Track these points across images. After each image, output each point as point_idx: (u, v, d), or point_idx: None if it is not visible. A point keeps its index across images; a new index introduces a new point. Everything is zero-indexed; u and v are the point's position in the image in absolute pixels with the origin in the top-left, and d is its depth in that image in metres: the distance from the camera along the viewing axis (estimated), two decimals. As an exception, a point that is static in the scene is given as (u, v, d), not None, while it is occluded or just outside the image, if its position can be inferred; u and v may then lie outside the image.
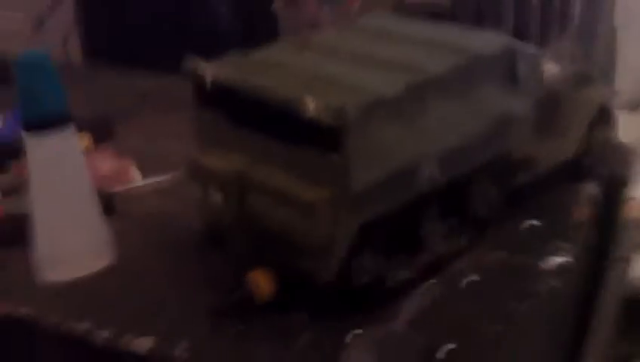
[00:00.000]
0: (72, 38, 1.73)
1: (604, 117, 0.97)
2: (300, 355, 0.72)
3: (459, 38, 0.84)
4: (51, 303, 0.81)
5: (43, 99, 0.81)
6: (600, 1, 1.62)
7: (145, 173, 1.06)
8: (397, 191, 0.74)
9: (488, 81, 0.82)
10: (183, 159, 0.86)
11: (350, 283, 0.74)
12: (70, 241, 0.84)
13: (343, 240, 0.72)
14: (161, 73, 1.36)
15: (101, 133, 1.16)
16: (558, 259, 0.83)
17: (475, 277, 0.81)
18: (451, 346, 0.71)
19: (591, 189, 0.95)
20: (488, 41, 0.84)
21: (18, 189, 0.98)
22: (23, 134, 0.82)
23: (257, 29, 1.61)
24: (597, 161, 0.98)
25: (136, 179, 1.05)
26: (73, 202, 0.84)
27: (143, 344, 0.74)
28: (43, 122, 0.81)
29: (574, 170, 0.96)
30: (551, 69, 0.93)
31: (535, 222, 0.89)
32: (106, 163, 1.07)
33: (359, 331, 0.73)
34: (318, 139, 0.70)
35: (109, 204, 0.96)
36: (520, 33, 1.46)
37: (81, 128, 1.11)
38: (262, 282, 0.76)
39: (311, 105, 0.69)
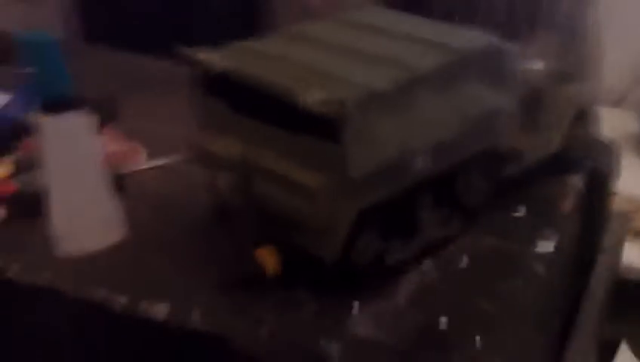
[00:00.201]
0: (70, 20, 1.76)
1: (586, 112, 1.03)
2: (305, 323, 0.77)
3: (447, 35, 0.89)
4: (68, 273, 0.85)
5: (52, 80, 0.85)
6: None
7: (149, 154, 1.11)
8: (392, 180, 0.79)
9: (474, 77, 0.87)
10: (186, 141, 0.92)
11: (351, 263, 0.80)
12: (84, 216, 0.89)
13: (343, 223, 0.77)
14: (158, 56, 1.41)
15: (105, 114, 1.20)
16: (544, 247, 0.89)
17: (466, 260, 0.87)
18: (445, 323, 0.77)
19: (576, 182, 1.01)
20: (474, 38, 0.90)
21: (29, 166, 1.03)
22: (39, 115, 0.86)
23: (255, 13, 1.65)
24: (580, 155, 1.04)
25: (142, 160, 1.10)
26: (86, 179, 0.89)
27: (159, 310, 0.79)
28: (59, 103, 0.85)
29: (559, 164, 1.02)
30: (535, 66, 0.98)
31: (522, 212, 0.95)
32: (112, 144, 1.11)
33: (359, 306, 0.79)
34: (319, 129, 0.75)
35: (117, 184, 1.01)
36: (507, 28, 1.52)
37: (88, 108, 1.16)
38: (268, 258, 0.82)
39: (311, 98, 0.74)
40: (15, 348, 0.90)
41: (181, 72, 0.89)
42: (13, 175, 1.02)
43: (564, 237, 0.92)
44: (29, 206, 0.94)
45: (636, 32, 1.64)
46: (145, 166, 1.09)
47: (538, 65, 1.00)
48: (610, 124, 1.09)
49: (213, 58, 0.84)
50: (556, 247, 0.90)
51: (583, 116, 1.03)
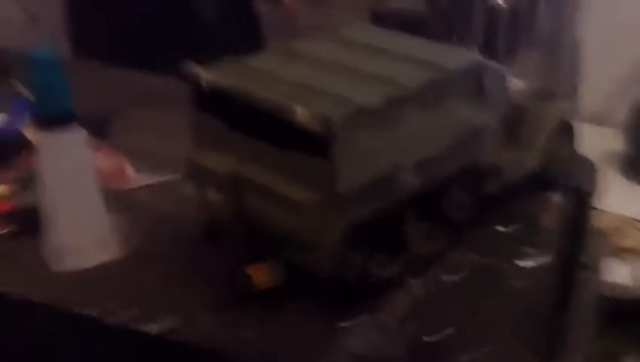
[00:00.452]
0: (60, 35, 1.77)
1: (566, 130, 1.06)
2: (295, 340, 0.79)
3: (431, 53, 0.92)
4: (63, 289, 0.87)
5: (54, 96, 0.87)
6: (565, 14, 1.71)
7: (141, 171, 1.12)
8: (379, 195, 0.82)
9: (457, 94, 0.90)
10: (177, 158, 0.93)
11: (340, 278, 0.82)
12: (78, 234, 0.90)
13: (331, 238, 0.79)
14: (149, 73, 1.43)
15: (96, 130, 1.22)
16: (526, 263, 0.92)
17: (452, 277, 0.89)
18: (432, 339, 0.79)
19: (557, 199, 1.04)
20: (458, 56, 0.92)
21: (26, 182, 1.04)
22: (35, 131, 0.88)
23: (242, 29, 1.66)
24: (561, 172, 1.06)
25: (133, 177, 1.11)
26: (81, 197, 0.90)
27: (151, 327, 0.81)
28: (54, 119, 0.87)
29: (540, 181, 1.04)
30: (516, 84, 1.02)
31: (505, 228, 0.98)
32: (103, 161, 1.12)
33: (347, 323, 0.81)
34: (308, 145, 0.77)
35: (108, 201, 1.02)
36: (488, 46, 1.55)
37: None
38: (259, 274, 0.84)
39: (301, 114, 0.76)
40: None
41: (174, 88, 0.91)
42: (11, 192, 1.03)
43: (545, 253, 0.94)
44: (27, 223, 0.96)
45: (618, 50, 1.68)
46: (136, 183, 1.10)
47: (520, 83, 1.03)
48: (592, 141, 1.11)
49: (206, 74, 0.86)
50: (538, 264, 0.92)
51: (564, 133, 1.06)
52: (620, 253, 1.38)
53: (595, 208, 0.97)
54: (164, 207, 1.03)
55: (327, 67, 0.88)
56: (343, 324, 0.81)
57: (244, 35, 1.66)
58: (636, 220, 1.45)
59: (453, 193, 0.92)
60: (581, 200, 0.93)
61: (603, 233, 1.01)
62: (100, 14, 1.67)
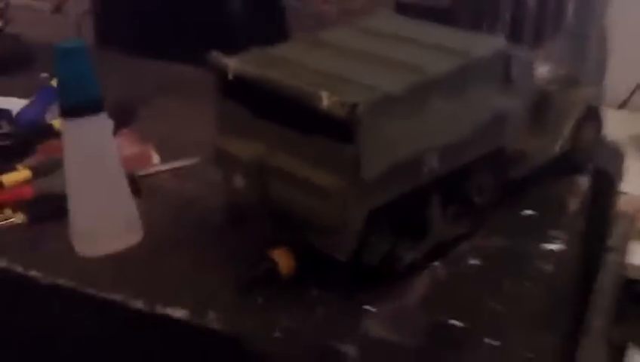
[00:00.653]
0: (85, 24, 1.79)
1: (592, 115, 1.05)
2: (319, 324, 0.79)
3: (457, 40, 0.91)
4: (86, 275, 0.88)
5: (80, 85, 0.87)
6: (593, 0, 1.69)
7: (164, 158, 1.13)
8: (403, 181, 0.82)
9: (484, 81, 0.89)
10: (201, 144, 0.94)
11: (362, 263, 0.82)
12: (104, 218, 0.91)
13: (355, 223, 0.79)
14: (175, 62, 1.44)
15: (122, 118, 1.23)
16: (551, 246, 0.91)
17: (476, 260, 0.89)
18: (456, 323, 0.79)
19: (582, 183, 1.03)
20: (484, 43, 0.92)
21: (48, 169, 1.05)
22: (62, 119, 0.89)
23: (268, 21, 1.67)
24: (586, 156, 1.06)
25: (157, 163, 1.12)
26: (106, 182, 0.91)
27: (175, 312, 0.81)
28: (80, 108, 0.88)
29: (566, 165, 1.04)
30: (542, 70, 1.01)
31: (530, 212, 0.97)
32: (128, 147, 1.14)
33: (371, 307, 0.81)
34: (333, 131, 0.77)
35: (133, 186, 1.03)
36: (516, 33, 1.54)
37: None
38: (283, 258, 0.84)
39: (326, 101, 0.77)
40: (34, 349, 0.93)
41: (198, 76, 0.91)
42: (32, 179, 1.05)
43: (571, 237, 0.94)
44: (48, 210, 0.97)
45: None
46: (160, 168, 1.11)
47: (546, 69, 1.02)
48: (618, 126, 1.10)
49: (232, 63, 0.86)
50: (563, 247, 0.91)
51: (590, 119, 1.05)
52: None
53: (621, 192, 0.96)
54: (189, 192, 1.04)
55: (353, 55, 0.88)
56: (366, 308, 0.81)
57: (269, 25, 1.67)
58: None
59: (478, 177, 0.92)
60: (607, 183, 0.93)
61: (628, 216, 1.00)
62: (125, 3, 1.68)
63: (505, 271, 0.87)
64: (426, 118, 0.83)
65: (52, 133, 1.16)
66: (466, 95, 0.87)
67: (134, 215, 0.94)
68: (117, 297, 0.84)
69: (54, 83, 1.23)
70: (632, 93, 1.82)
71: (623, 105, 1.83)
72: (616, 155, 1.07)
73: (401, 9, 1.55)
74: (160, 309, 0.82)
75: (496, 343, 0.77)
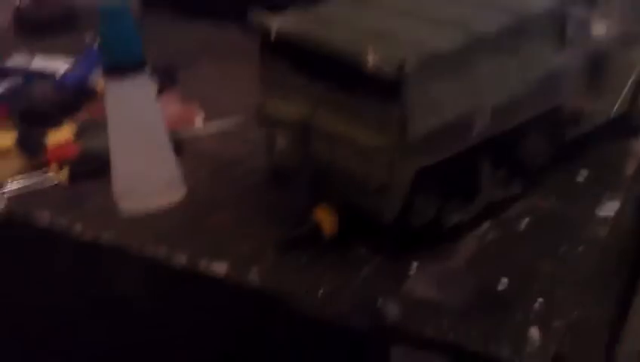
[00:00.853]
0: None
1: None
2: (363, 283, 0.77)
3: None
4: (130, 231, 0.87)
5: (123, 45, 0.86)
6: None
7: (208, 118, 1.12)
8: (451, 142, 0.79)
9: (538, 39, 0.85)
10: (244, 105, 0.92)
11: (409, 224, 0.80)
12: (146, 176, 0.90)
13: (400, 183, 0.77)
14: (218, 23, 1.42)
15: (165, 80, 1.22)
16: (605, 211, 0.88)
17: (526, 223, 0.86)
18: (504, 281, 0.76)
19: (638, 147, 0.99)
20: (539, 0, 0.88)
21: (92, 129, 1.05)
22: (104, 78, 0.88)
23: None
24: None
25: (200, 123, 1.11)
26: (148, 141, 0.90)
27: (218, 268, 0.80)
28: (122, 67, 0.87)
29: (621, 128, 1.00)
30: (599, 28, 0.96)
31: (584, 175, 0.94)
32: (171, 107, 1.13)
33: (417, 268, 0.79)
34: (378, 89, 0.75)
35: (176, 145, 1.02)
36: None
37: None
38: (326, 218, 0.82)
39: (372, 58, 0.74)
40: (77, 306, 0.93)
41: (242, 36, 0.89)
42: (76, 138, 1.04)
43: (625, 201, 0.90)
44: (92, 168, 0.96)
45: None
46: (203, 129, 1.10)
47: (602, 28, 0.98)
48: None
49: (275, 22, 0.84)
50: (618, 211, 0.88)
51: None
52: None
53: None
54: (232, 152, 1.02)
55: (399, 13, 0.85)
56: (411, 269, 0.79)
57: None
58: None
59: (530, 139, 0.89)
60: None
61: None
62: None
63: (556, 235, 0.84)
64: (475, 77, 0.80)
65: (96, 96, 1.15)
66: (518, 54, 0.84)
67: (176, 173, 0.93)
68: (160, 252, 0.83)
69: (94, 42, 1.22)
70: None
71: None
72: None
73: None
74: (203, 265, 0.81)
75: (544, 303, 0.74)
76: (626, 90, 0.99)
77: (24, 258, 0.95)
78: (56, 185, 0.97)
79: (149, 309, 0.87)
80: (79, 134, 1.04)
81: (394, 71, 0.73)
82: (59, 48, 1.30)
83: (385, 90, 0.74)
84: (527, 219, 0.86)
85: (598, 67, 0.94)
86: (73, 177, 0.97)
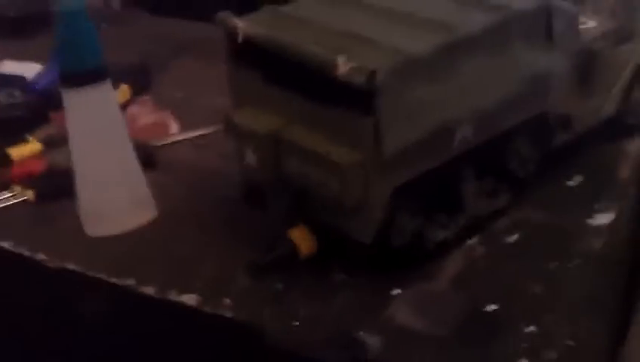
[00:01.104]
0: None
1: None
2: (342, 311, 0.73)
3: None
4: (95, 258, 0.82)
5: (81, 51, 0.81)
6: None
7: (184, 126, 1.07)
8: (432, 154, 0.74)
9: (523, 38, 0.80)
10: (222, 110, 0.87)
11: (389, 244, 0.75)
12: (112, 196, 0.85)
13: (377, 202, 0.72)
14: (201, 22, 1.36)
15: (140, 83, 1.17)
16: (600, 219, 0.83)
17: (515, 237, 0.81)
18: (492, 307, 0.72)
19: (633, 149, 0.94)
20: None
21: (62, 141, 0.99)
22: (62, 88, 0.83)
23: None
24: (638, 119, 0.97)
25: (175, 132, 1.06)
26: (113, 157, 0.85)
27: (187, 300, 0.76)
28: (81, 75, 0.81)
29: (615, 129, 0.95)
30: (589, 24, 0.91)
31: (576, 182, 0.89)
32: (145, 115, 1.08)
33: (399, 291, 0.74)
34: (350, 100, 0.70)
35: (148, 158, 0.97)
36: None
37: (119, 78, 1.12)
38: (303, 239, 0.77)
39: (342, 66, 0.69)
40: (40, 333, 0.88)
41: (221, 37, 0.84)
42: (44, 152, 0.99)
43: (621, 209, 0.85)
44: (58, 186, 0.91)
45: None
46: (177, 138, 1.05)
47: (592, 24, 0.93)
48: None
49: (243, 24, 0.79)
50: (613, 220, 0.83)
51: (640, 77, 0.95)
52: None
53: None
54: (208, 163, 0.98)
55: (375, 13, 0.80)
56: (392, 293, 0.74)
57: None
58: None
59: (517, 146, 0.84)
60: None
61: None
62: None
63: (547, 249, 0.79)
64: (457, 82, 0.75)
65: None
66: (502, 55, 0.79)
67: (145, 192, 0.88)
68: (127, 282, 0.79)
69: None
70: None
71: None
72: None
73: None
74: (172, 296, 0.76)
75: (535, 330, 0.69)
76: (618, 88, 0.94)
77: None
78: (22, 202, 0.92)
79: (113, 338, 0.82)
80: (47, 148, 1.00)
81: (365, 81, 0.68)
82: (30, 51, 1.24)
83: (356, 101, 0.70)
84: (515, 233, 0.82)
85: (588, 66, 0.89)
86: (40, 196, 0.92)
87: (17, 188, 0.93)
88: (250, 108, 0.80)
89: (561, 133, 0.89)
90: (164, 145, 1.02)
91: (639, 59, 0.95)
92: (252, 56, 0.78)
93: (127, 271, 0.80)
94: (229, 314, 0.74)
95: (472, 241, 0.81)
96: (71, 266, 0.82)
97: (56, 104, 1.10)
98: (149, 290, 0.77)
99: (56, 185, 0.92)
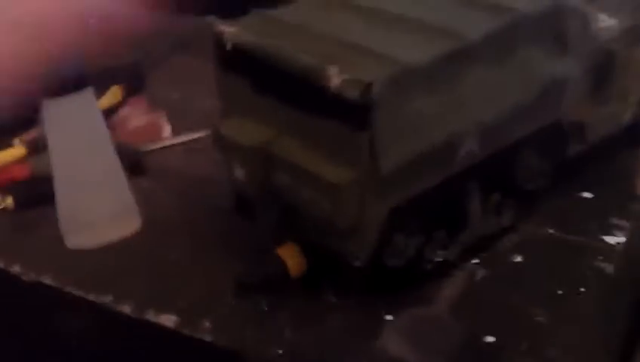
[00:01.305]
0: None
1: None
2: (329, 338, 0.68)
3: None
4: (74, 271, 0.78)
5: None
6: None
7: (178, 128, 1.02)
8: (432, 170, 0.69)
9: (533, 43, 0.74)
10: (217, 114, 0.82)
11: (384, 266, 0.70)
12: (93, 207, 0.80)
13: (372, 223, 0.67)
14: (200, 17, 1.31)
15: (133, 83, 1.12)
16: (616, 237, 0.77)
17: (520, 257, 0.75)
18: (492, 339, 0.66)
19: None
20: None
21: (46, 145, 0.95)
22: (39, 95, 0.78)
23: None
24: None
25: (168, 136, 1.01)
26: (94, 167, 0.81)
27: (166, 321, 0.71)
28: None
29: (633, 138, 0.88)
30: (605, 24, 0.85)
31: (589, 196, 0.83)
32: (137, 117, 1.03)
33: (393, 316, 0.69)
34: (343, 114, 0.64)
35: (138, 163, 0.93)
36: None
37: (112, 78, 1.08)
38: (292, 257, 0.72)
39: (335, 77, 0.64)
40: (19, 351, 0.84)
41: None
42: (29, 156, 0.95)
43: (637, 225, 0.79)
44: (40, 193, 0.86)
45: None
46: (169, 142, 1.00)
47: (610, 23, 0.86)
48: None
49: (231, 30, 0.73)
50: (628, 239, 0.77)
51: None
52: None
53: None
54: (199, 170, 0.92)
55: (372, 18, 0.74)
56: (386, 318, 0.69)
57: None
58: None
59: (526, 158, 0.78)
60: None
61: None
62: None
63: (555, 272, 0.74)
64: (460, 92, 0.69)
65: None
66: (511, 61, 0.73)
67: (129, 202, 0.83)
68: (104, 299, 0.74)
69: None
70: None
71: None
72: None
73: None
74: (150, 315, 0.72)
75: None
76: (636, 94, 0.88)
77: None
78: (0, 211, 0.87)
79: (89, 357, 0.78)
80: (31, 152, 0.95)
81: (359, 94, 0.63)
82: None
83: (350, 115, 0.64)
84: (521, 253, 0.76)
85: (604, 69, 0.83)
86: (20, 203, 0.87)
87: (-3, 194, 0.88)
88: (239, 117, 0.74)
89: (574, 142, 0.82)
90: (153, 151, 0.97)
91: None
92: (241, 64, 0.73)
93: (105, 287, 0.75)
94: (208, 338, 0.69)
95: (474, 262, 0.75)
96: (47, 280, 0.77)
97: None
98: (127, 309, 0.73)
99: (37, 192, 0.87)
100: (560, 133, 0.80)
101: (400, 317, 0.69)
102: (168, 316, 0.71)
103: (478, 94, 0.71)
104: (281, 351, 0.67)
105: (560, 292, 0.71)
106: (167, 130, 1.02)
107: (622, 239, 0.77)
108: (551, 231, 0.79)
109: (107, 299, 0.74)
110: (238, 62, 0.73)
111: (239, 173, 0.73)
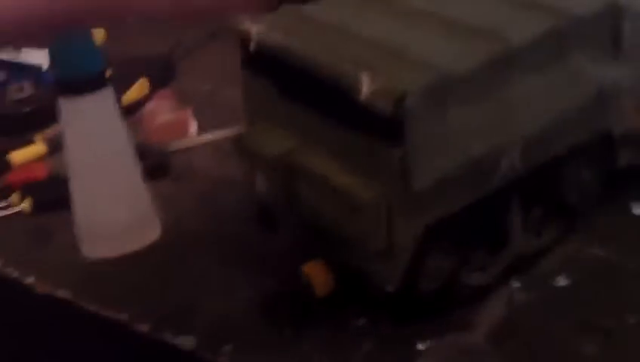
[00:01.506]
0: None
1: None
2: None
3: None
4: (89, 285, 0.74)
5: (77, 56, 0.72)
6: None
7: (206, 125, 0.97)
8: (470, 187, 0.63)
9: (586, 47, 0.69)
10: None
11: (417, 290, 0.65)
12: (110, 215, 0.77)
13: (404, 243, 0.62)
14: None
15: (161, 75, 1.07)
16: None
17: (566, 280, 0.70)
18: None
19: None
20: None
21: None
22: (56, 95, 0.74)
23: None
24: None
25: (195, 134, 0.97)
26: (112, 172, 0.76)
27: (184, 343, 0.67)
28: (77, 84, 0.73)
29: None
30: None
31: (641, 211, 0.77)
32: (163, 113, 0.98)
33: (427, 344, 0.64)
34: (375, 126, 0.59)
35: (162, 164, 0.89)
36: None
37: (139, 70, 1.04)
38: (318, 276, 0.67)
39: (367, 86, 0.58)
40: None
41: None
42: (48, 156, 0.91)
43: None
44: (60, 195, 0.82)
45: None
46: (196, 140, 0.95)
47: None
48: None
49: (257, 28, 0.68)
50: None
51: None
52: None
53: None
54: (226, 171, 0.87)
55: (412, 19, 0.68)
56: (419, 347, 0.64)
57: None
58: None
59: (573, 170, 0.72)
60: None
61: None
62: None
63: (604, 297, 0.68)
64: (503, 101, 0.64)
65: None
66: (561, 67, 0.67)
67: (149, 210, 0.79)
68: (120, 317, 0.70)
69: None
70: None
71: None
72: None
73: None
74: (167, 337, 0.68)
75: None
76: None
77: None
78: (17, 214, 0.84)
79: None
80: (52, 151, 0.91)
81: (391, 105, 0.57)
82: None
83: (381, 128, 0.59)
84: (566, 275, 0.70)
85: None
86: (38, 207, 0.84)
87: (14, 197, 0.85)
88: (264, 124, 0.70)
89: (626, 154, 0.76)
90: (178, 150, 0.93)
91: None
92: (266, 66, 0.68)
93: (121, 304, 0.71)
94: (227, 363, 0.65)
95: (514, 284, 0.69)
96: (61, 293, 0.73)
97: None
98: (143, 328, 0.69)
99: (55, 195, 0.83)
100: (609, 143, 0.74)
101: (434, 346, 0.64)
102: (187, 337, 0.67)
103: (522, 104, 0.65)
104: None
105: (609, 321, 0.65)
106: (193, 126, 0.97)
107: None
108: (598, 249, 0.73)
109: (123, 318, 0.70)
110: (263, 63, 0.68)
111: (262, 183, 0.69)
